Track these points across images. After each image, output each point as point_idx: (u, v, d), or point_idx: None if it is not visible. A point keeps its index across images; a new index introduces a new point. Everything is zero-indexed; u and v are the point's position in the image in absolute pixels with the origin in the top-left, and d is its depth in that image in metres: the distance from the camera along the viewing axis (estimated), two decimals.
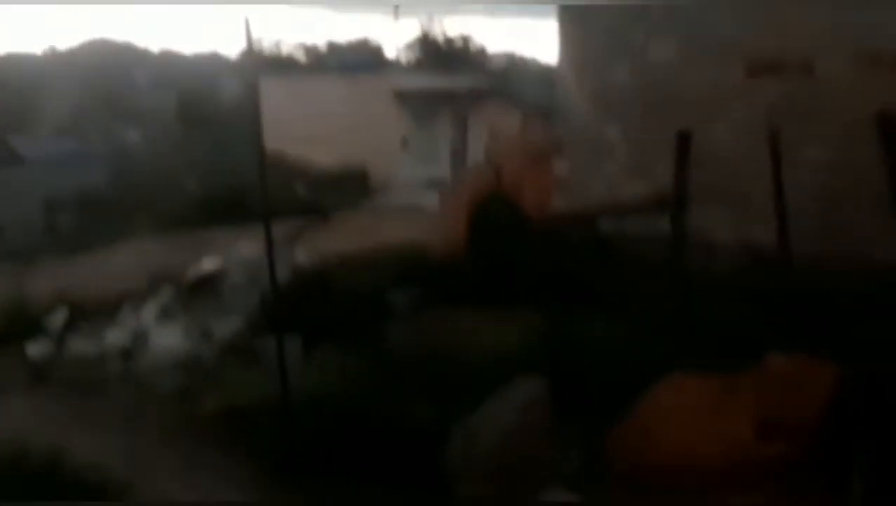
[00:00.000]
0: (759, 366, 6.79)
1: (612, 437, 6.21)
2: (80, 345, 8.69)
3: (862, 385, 6.13)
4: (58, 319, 9.15)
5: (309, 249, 10.84)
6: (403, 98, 18.56)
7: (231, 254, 10.33)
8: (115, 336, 8.73)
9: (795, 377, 6.40)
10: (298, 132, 16.77)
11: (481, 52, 33.39)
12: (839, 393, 6.35)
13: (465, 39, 32.07)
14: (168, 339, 8.65)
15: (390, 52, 33.00)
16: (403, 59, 32.20)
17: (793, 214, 8.46)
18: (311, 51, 34.18)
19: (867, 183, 8.37)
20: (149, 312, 9.30)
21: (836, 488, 5.32)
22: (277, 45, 32.34)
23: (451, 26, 32.25)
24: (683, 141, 8.81)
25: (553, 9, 12.35)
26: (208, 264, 10.04)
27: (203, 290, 9.57)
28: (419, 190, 15.64)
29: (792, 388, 6.27)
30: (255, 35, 7.39)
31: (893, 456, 4.93)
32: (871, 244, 8.55)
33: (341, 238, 12.26)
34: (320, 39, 37.50)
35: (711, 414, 6.31)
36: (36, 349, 8.64)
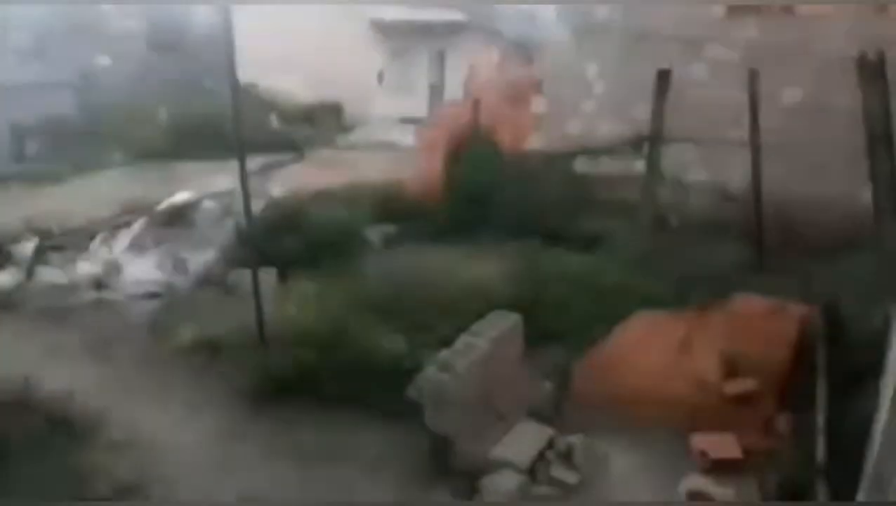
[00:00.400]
0: (727, 305, 6.95)
1: (580, 370, 6.36)
2: (50, 274, 8.59)
3: (827, 323, 6.31)
4: (27, 248, 9.00)
5: (283, 182, 10.73)
6: (380, 30, 18.08)
7: (205, 186, 10.20)
8: (87, 266, 8.63)
9: (763, 317, 6.57)
10: (272, 63, 16.36)
11: None
12: (805, 332, 6.54)
13: None
14: (141, 269, 8.59)
15: None
16: None
17: (767, 154, 8.53)
18: None
19: (843, 125, 8.42)
20: (121, 242, 9.20)
21: (800, 424, 5.49)
22: None
23: None
24: (663, 78, 8.76)
25: None
26: (182, 196, 9.91)
27: (176, 221, 9.47)
28: (395, 126, 15.43)
29: (759, 327, 6.44)
30: None
31: (854, 392, 5.08)
32: (844, 185, 8.66)
33: (316, 173, 12.12)
34: None
35: (678, 351, 6.48)
36: (6, 278, 8.52)
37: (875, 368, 5.15)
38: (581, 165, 10.36)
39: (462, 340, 5.71)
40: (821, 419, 4.93)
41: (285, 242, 8.23)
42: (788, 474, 4.79)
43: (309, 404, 6.20)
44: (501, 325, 5.89)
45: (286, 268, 7.82)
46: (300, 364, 6.10)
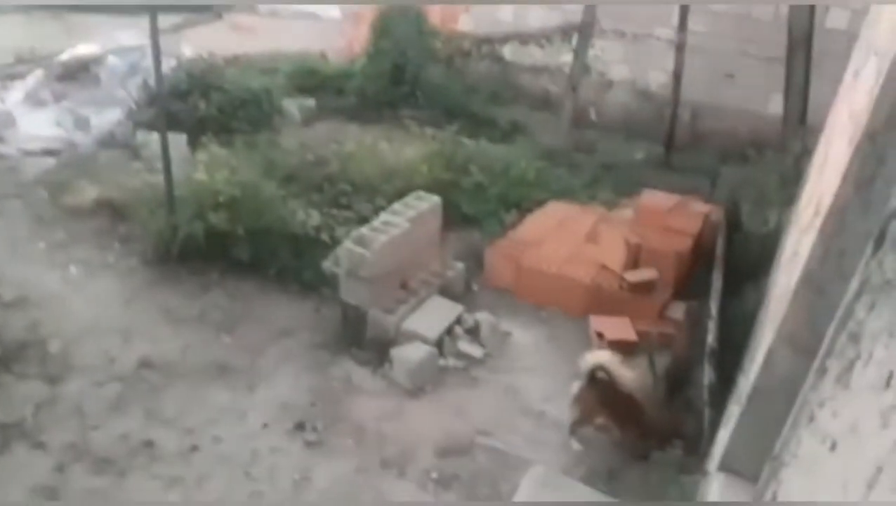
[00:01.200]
0: (636, 199, 7.20)
1: (492, 253, 6.50)
2: None
3: (728, 221, 6.65)
4: None
5: (197, 44, 10.06)
6: None
7: (111, 40, 9.46)
8: None
9: (668, 212, 6.85)
10: None
11: None
12: (706, 229, 6.89)
13: None
14: (38, 125, 8.00)
15: None
16: None
17: (687, 56, 8.65)
18: None
19: (763, 35, 8.61)
20: (15, 94, 8.51)
21: (694, 312, 5.83)
22: None
23: None
24: None
25: None
26: (85, 49, 9.15)
27: (79, 76, 8.78)
28: None
29: (664, 222, 6.73)
30: None
31: (746, 285, 5.43)
32: (756, 93, 8.96)
33: (233, 37, 11.45)
34: None
35: (586, 240, 6.71)
36: None
37: (766, 265, 5.52)
38: (509, 52, 10.22)
39: (381, 218, 5.70)
40: (714, 308, 5.26)
41: (197, 105, 7.81)
42: (680, 355, 5.14)
43: (217, 271, 6.11)
44: (420, 205, 5.89)
45: (197, 133, 7.47)
46: (210, 229, 5.91)
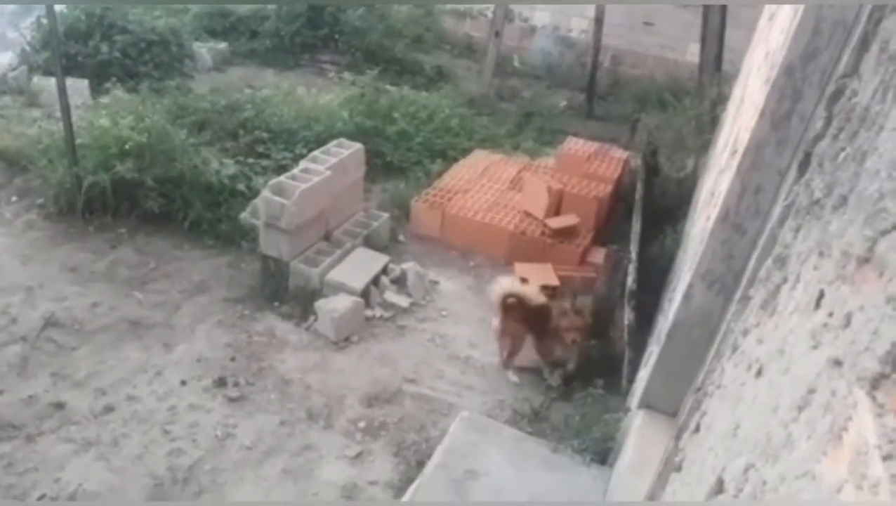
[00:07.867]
0: (558, 147, 7.22)
1: (417, 202, 6.41)
2: None
3: (646, 168, 6.75)
4: None
5: None
6: None
7: None
8: None
9: (588, 159, 6.90)
10: None
11: None
12: (625, 175, 6.98)
13: None
14: None
15: None
16: None
17: (610, 6, 8.65)
18: None
19: None
20: None
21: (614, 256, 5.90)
22: None
23: None
24: None
25: None
26: None
27: None
28: None
29: (584, 168, 6.78)
30: None
31: (664, 229, 5.54)
32: (674, 42, 9.07)
33: None
34: None
35: (509, 187, 6.71)
36: None
37: (684, 209, 5.64)
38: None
39: (301, 166, 5.50)
40: (633, 251, 5.33)
41: (98, 48, 7.30)
42: (601, 298, 5.20)
43: (126, 225, 5.79)
44: (342, 153, 5.71)
45: (100, 79, 7.00)
46: (116, 179, 5.56)
